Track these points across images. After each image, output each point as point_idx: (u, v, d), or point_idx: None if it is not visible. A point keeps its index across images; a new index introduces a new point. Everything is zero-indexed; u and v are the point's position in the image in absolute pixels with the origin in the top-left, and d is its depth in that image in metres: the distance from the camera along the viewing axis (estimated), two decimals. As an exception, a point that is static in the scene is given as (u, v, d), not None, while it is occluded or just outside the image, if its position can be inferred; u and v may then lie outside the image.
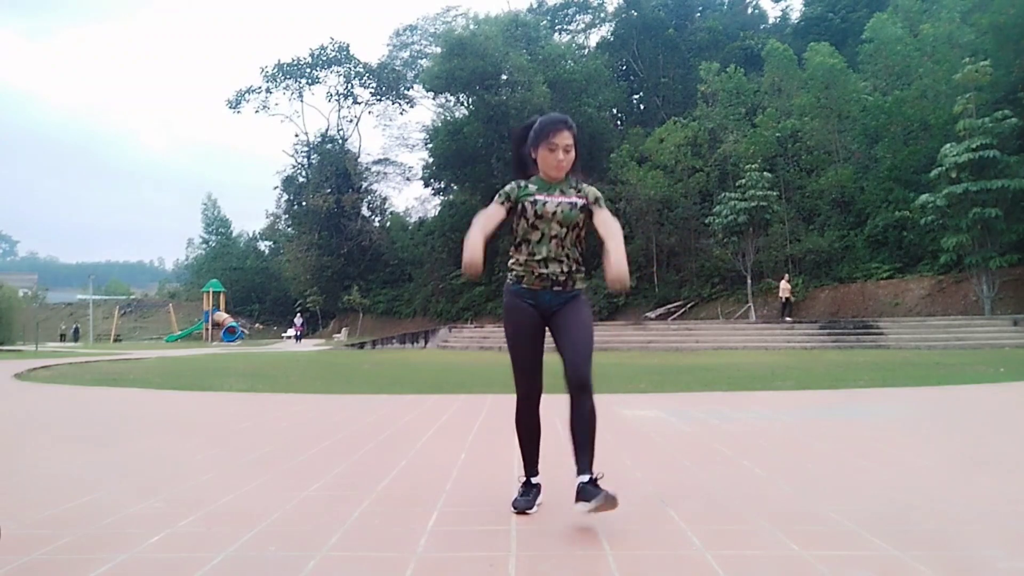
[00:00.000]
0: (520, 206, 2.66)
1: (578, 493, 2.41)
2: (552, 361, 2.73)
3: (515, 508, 2.68)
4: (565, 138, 2.64)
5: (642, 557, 2.17)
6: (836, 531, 2.39)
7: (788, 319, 22.01)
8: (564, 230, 2.64)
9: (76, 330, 45.66)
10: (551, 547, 2.28)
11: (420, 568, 2.08)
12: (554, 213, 2.62)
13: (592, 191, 2.74)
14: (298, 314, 40.78)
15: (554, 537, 2.38)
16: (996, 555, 2.14)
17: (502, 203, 2.68)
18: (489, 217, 2.63)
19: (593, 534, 2.40)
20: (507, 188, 2.72)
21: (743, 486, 3.10)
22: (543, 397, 2.75)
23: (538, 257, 2.64)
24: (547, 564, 2.11)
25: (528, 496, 2.73)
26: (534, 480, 2.78)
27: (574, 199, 2.67)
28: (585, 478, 2.44)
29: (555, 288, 2.65)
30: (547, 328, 2.70)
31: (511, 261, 2.72)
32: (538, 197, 2.66)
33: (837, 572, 2.00)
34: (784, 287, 22.94)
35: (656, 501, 2.83)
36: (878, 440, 4.38)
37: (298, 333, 36.63)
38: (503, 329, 2.76)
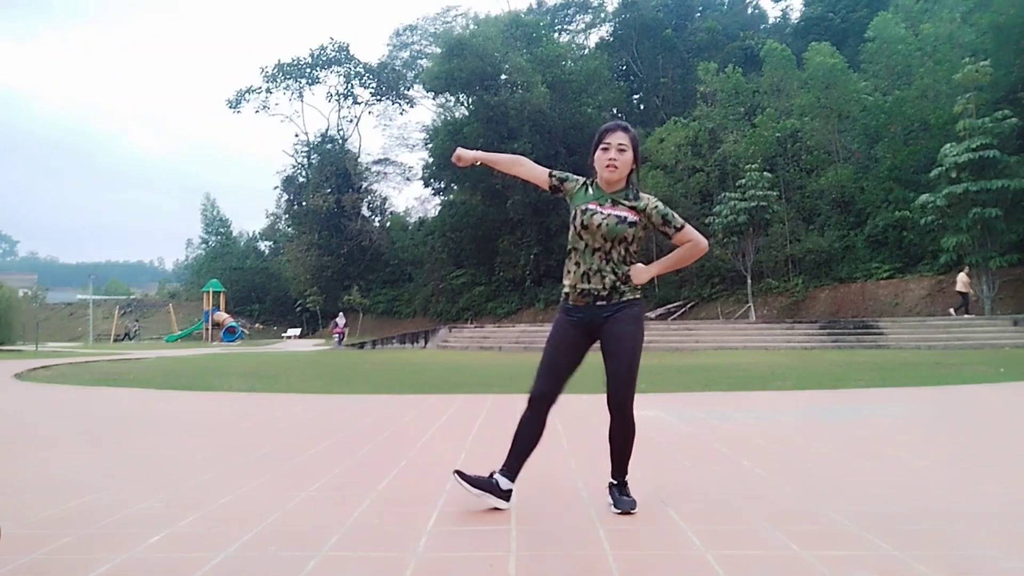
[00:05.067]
0: (572, 212, 2.72)
1: (611, 493, 2.74)
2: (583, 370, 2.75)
3: (460, 476, 2.66)
4: (619, 137, 2.68)
5: (642, 557, 2.17)
6: (836, 531, 2.39)
7: (966, 315, 19.35)
8: (609, 244, 2.65)
9: (136, 330, 46.34)
10: (551, 547, 2.28)
11: (420, 568, 2.08)
12: (599, 226, 2.63)
13: (655, 209, 2.71)
14: (340, 313, 34.95)
15: (554, 537, 2.38)
16: (996, 555, 2.14)
17: (549, 176, 2.82)
18: (535, 174, 2.84)
19: (593, 534, 2.40)
20: (570, 175, 2.83)
21: (743, 486, 3.11)
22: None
23: (582, 268, 2.67)
24: (547, 564, 2.11)
25: (482, 481, 2.66)
26: (504, 485, 2.66)
27: (624, 213, 2.66)
28: (613, 483, 2.77)
29: (599, 303, 2.66)
30: (596, 339, 2.72)
31: (564, 273, 2.77)
32: (589, 206, 2.67)
33: (837, 572, 2.00)
34: (963, 280, 19.87)
35: (656, 501, 2.83)
36: (878, 440, 4.38)
37: (340, 335, 31.35)
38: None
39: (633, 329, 2.66)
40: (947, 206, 20.34)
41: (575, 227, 2.68)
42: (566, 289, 2.72)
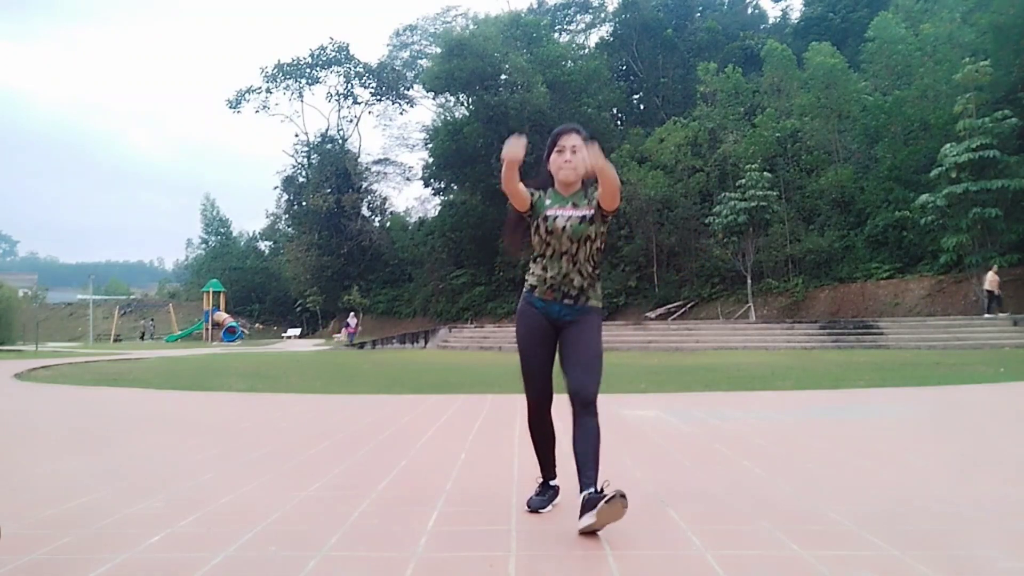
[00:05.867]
0: (535, 223, 2.71)
1: (582, 505, 2.35)
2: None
3: (529, 507, 2.73)
4: (572, 139, 2.70)
5: (642, 557, 2.17)
6: (836, 531, 2.39)
7: (1000, 315, 18.95)
8: (575, 245, 2.66)
9: (152, 328, 46.47)
10: (551, 547, 2.28)
11: (420, 568, 2.09)
12: (563, 229, 2.65)
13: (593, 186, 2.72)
14: (352, 312, 34.71)
15: (554, 537, 2.38)
16: (996, 555, 2.14)
17: (531, 193, 2.73)
18: (522, 193, 2.69)
19: (593, 534, 2.40)
20: (536, 191, 2.76)
21: (743, 486, 3.10)
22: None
23: (551, 273, 2.67)
24: (547, 564, 2.12)
25: (544, 496, 2.77)
26: (552, 483, 2.82)
27: (584, 211, 2.67)
28: (587, 494, 2.38)
29: (566, 301, 2.66)
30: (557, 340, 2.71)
31: (528, 272, 2.77)
32: (549, 213, 2.68)
33: (837, 572, 2.00)
34: (991, 279, 19.37)
35: (656, 501, 2.83)
36: (878, 440, 4.38)
37: (352, 335, 31.20)
38: (516, 336, 2.78)
39: (598, 332, 2.68)
40: (947, 206, 20.34)
41: (540, 235, 2.69)
42: (533, 282, 2.72)
